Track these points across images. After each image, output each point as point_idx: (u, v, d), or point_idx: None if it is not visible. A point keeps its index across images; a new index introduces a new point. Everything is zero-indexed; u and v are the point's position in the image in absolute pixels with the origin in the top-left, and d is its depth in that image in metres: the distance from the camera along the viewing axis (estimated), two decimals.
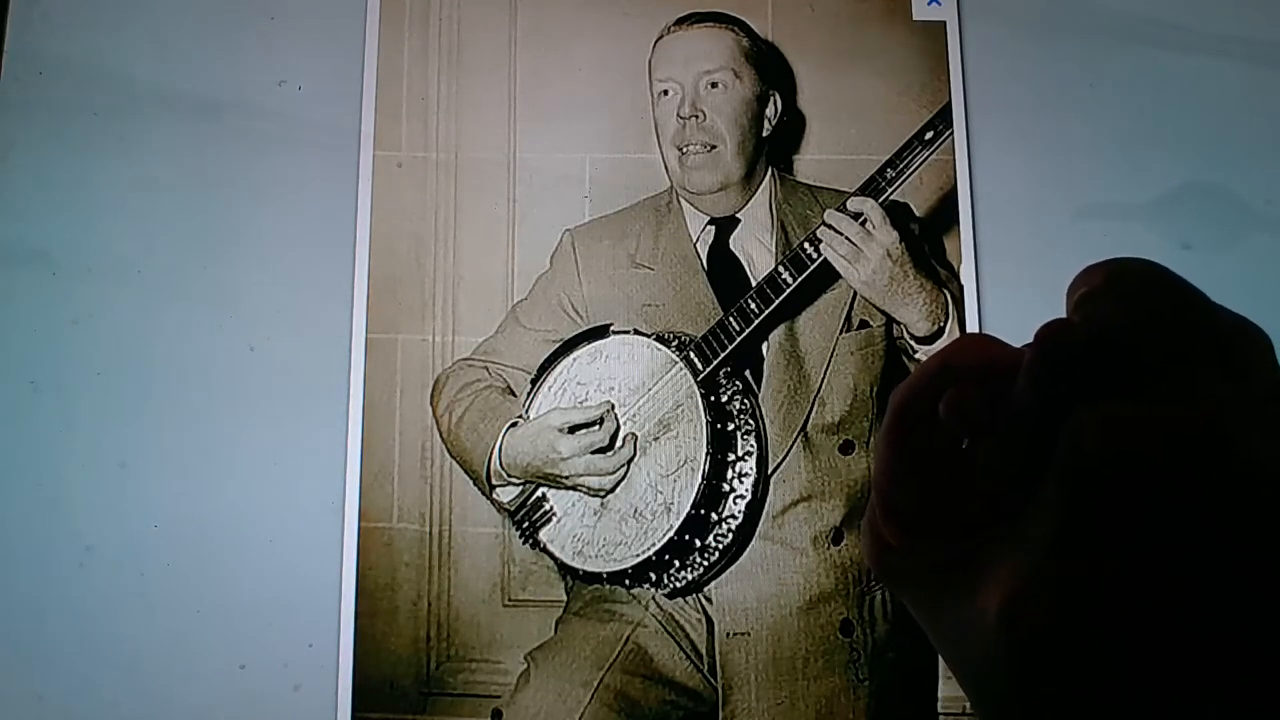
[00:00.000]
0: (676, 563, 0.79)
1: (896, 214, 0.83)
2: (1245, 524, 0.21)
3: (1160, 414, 0.22)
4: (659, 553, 0.78)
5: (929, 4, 0.88)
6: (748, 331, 0.81)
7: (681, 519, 0.79)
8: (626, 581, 0.79)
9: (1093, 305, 0.24)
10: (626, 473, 0.80)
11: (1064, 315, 0.25)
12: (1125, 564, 0.22)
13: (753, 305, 0.82)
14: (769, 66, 0.87)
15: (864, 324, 0.82)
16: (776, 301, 0.82)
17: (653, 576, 0.79)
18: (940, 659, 0.78)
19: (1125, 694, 0.22)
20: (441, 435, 0.81)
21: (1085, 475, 0.22)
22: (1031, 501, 0.24)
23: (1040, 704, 0.23)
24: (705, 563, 0.78)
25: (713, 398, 0.80)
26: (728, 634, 0.78)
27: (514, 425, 0.81)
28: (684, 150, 0.85)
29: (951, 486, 0.26)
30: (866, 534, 0.29)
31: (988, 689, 0.25)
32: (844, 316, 0.82)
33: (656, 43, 0.87)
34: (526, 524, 0.80)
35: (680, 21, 0.87)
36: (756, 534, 0.79)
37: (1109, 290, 0.24)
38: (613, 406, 0.81)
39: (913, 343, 0.81)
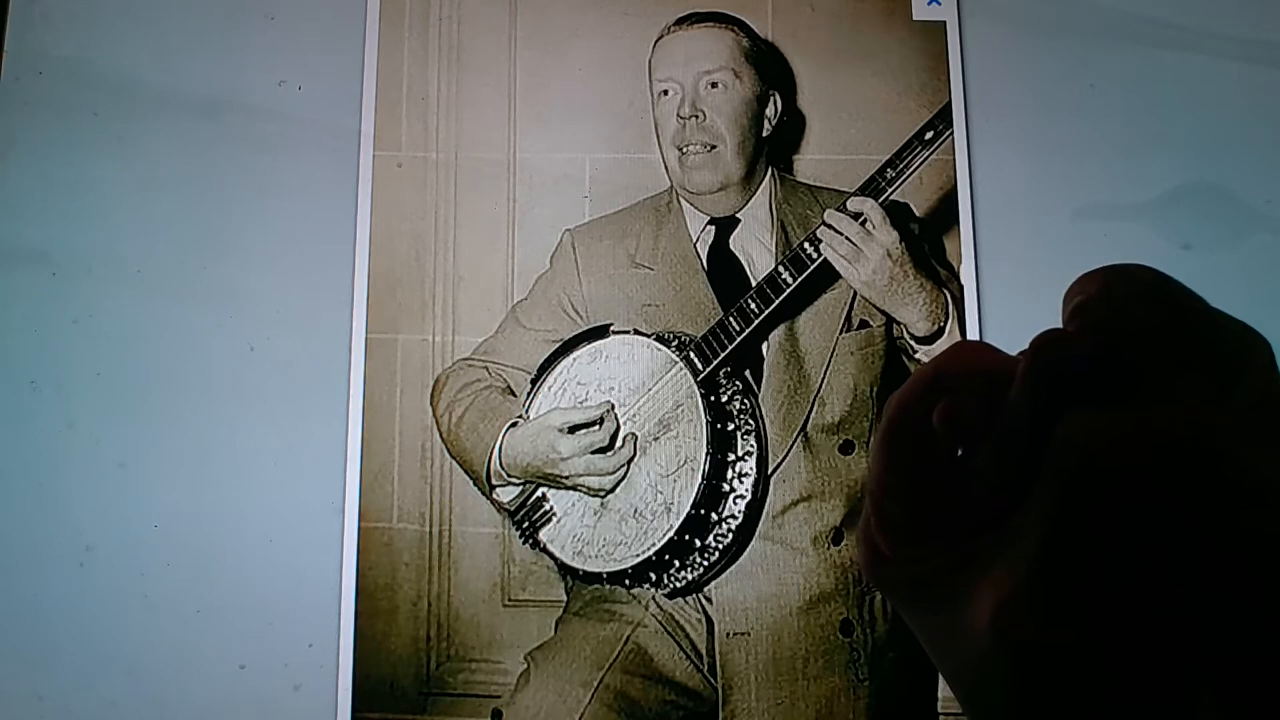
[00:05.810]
0: (676, 563, 0.79)
1: (896, 214, 0.83)
2: (1234, 533, 0.21)
3: (1148, 425, 0.22)
4: (659, 553, 0.78)
5: (929, 4, 0.88)
6: (748, 331, 0.81)
7: (681, 519, 0.79)
8: (626, 581, 0.79)
9: (1086, 315, 0.24)
10: (626, 473, 0.80)
11: (1062, 318, 0.25)
12: (1114, 574, 0.22)
13: (753, 305, 0.82)
14: (769, 66, 0.87)
15: (864, 324, 0.82)
16: (776, 301, 0.82)
17: (653, 576, 0.79)
18: None
19: (1116, 703, 0.22)
20: (441, 435, 0.81)
21: (1073, 486, 0.22)
22: (1022, 511, 0.24)
23: (1032, 714, 0.23)
24: (705, 563, 0.78)
25: (713, 398, 0.80)
26: (728, 634, 0.78)
27: (514, 425, 0.81)
28: (684, 150, 0.85)
29: (945, 497, 0.26)
30: (861, 542, 0.29)
31: (980, 698, 0.25)
32: (844, 316, 0.82)
33: (656, 43, 0.87)
34: (526, 524, 0.80)
35: (680, 21, 0.87)
36: (756, 534, 0.79)
37: (1103, 300, 0.24)
38: (613, 406, 0.81)
39: (913, 343, 0.81)
